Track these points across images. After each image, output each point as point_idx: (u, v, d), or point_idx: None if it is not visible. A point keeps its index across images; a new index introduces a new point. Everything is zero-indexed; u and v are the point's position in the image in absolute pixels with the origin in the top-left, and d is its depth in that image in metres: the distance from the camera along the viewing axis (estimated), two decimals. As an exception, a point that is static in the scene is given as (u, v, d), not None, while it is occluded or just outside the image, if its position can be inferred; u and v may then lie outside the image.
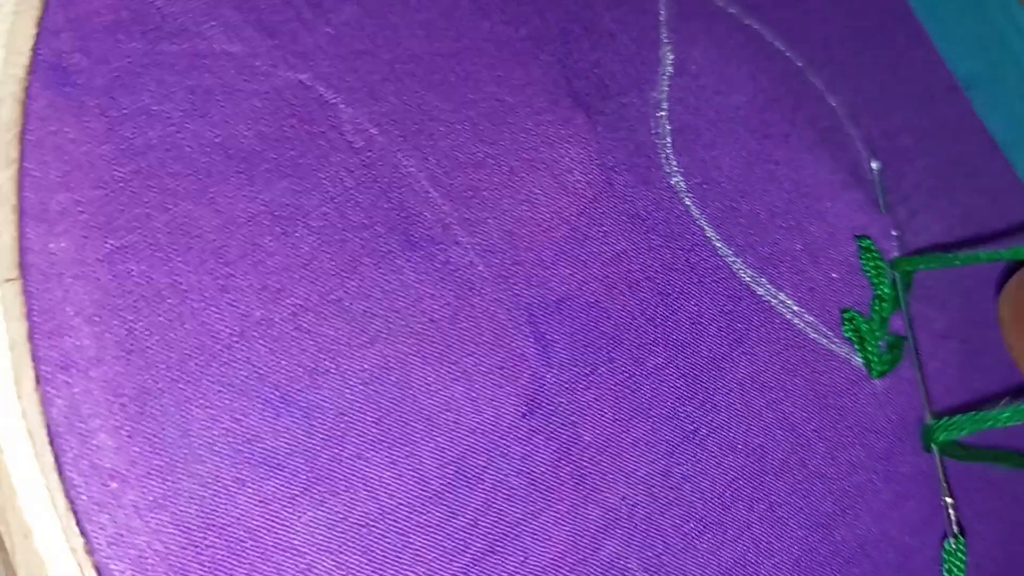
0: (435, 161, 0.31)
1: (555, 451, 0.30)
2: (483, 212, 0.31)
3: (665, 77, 0.37)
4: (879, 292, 0.36)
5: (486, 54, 0.33)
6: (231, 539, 0.25)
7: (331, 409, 0.27)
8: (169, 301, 0.26)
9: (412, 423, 0.28)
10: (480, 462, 0.29)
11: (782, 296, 0.35)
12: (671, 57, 0.37)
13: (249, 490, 0.26)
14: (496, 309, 0.30)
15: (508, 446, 0.29)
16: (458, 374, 0.29)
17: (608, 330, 0.32)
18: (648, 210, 0.34)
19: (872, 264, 0.36)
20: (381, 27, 0.32)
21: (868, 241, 0.37)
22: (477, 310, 0.30)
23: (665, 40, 0.37)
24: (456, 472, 0.28)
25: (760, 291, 0.35)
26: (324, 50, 0.31)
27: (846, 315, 0.36)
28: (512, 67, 0.34)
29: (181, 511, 0.25)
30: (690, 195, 0.35)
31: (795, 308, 0.35)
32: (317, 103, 0.30)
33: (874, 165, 0.37)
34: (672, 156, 0.35)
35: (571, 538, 0.29)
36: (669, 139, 0.35)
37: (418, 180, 0.31)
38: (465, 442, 0.28)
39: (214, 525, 0.25)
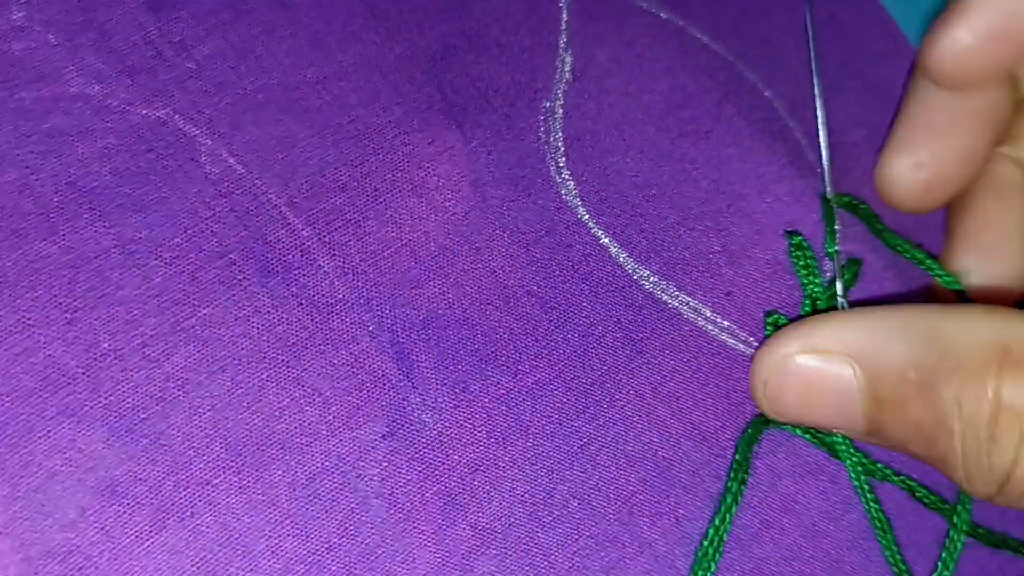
0: (296, 187, 0.39)
1: (419, 471, 0.37)
2: (345, 235, 0.39)
3: (561, 84, 0.44)
4: (810, 291, 0.42)
5: (356, 77, 0.42)
6: (73, 567, 0.33)
7: (178, 436, 0.35)
8: (16, 336, 0.35)
9: (263, 448, 0.36)
10: (335, 484, 0.36)
11: (692, 301, 0.41)
12: (570, 62, 0.44)
13: (91, 518, 0.34)
14: (357, 331, 0.38)
15: (365, 467, 0.36)
16: (313, 398, 0.37)
17: (480, 347, 0.39)
18: (530, 223, 0.41)
19: (803, 262, 0.42)
20: (244, 58, 0.41)
21: (799, 237, 0.43)
22: (336, 333, 0.37)
23: (564, 45, 0.45)
24: (309, 495, 0.36)
25: (666, 298, 0.41)
26: (185, 85, 0.40)
27: (769, 318, 0.41)
28: (382, 88, 0.42)
29: (22, 539, 0.33)
30: (584, 204, 0.42)
31: (707, 313, 0.41)
32: (175, 137, 0.39)
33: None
34: (564, 166, 0.42)
35: (438, 559, 0.36)
36: (562, 148, 0.42)
37: (277, 207, 0.39)
38: (319, 465, 0.36)
39: (56, 554, 0.33)
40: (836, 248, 0.43)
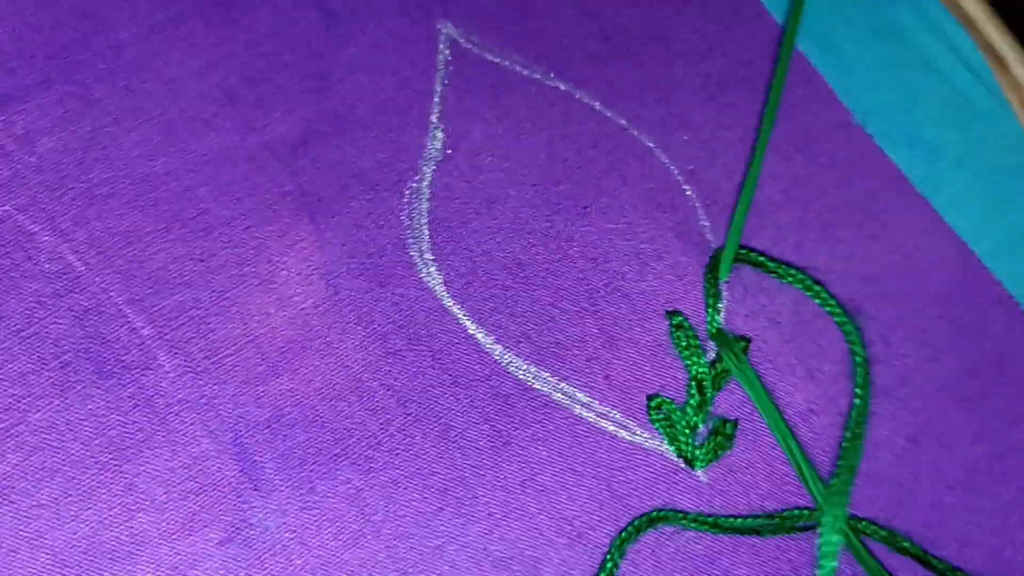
0: (138, 284, 0.40)
1: (259, 579, 0.37)
2: (188, 332, 0.40)
3: (431, 163, 0.45)
4: (694, 373, 0.42)
5: (207, 168, 0.43)
6: None
7: (2, 547, 0.37)
8: None
9: (92, 558, 0.36)
10: (166, 595, 0.36)
11: (567, 387, 0.41)
12: (441, 139, 0.45)
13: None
14: (197, 432, 0.38)
15: (200, 576, 0.37)
16: (145, 504, 0.37)
17: (329, 445, 0.39)
18: (387, 313, 0.41)
19: (684, 343, 0.42)
20: (90, 150, 0.42)
21: (679, 317, 0.43)
22: (174, 435, 0.38)
23: (435, 121, 0.46)
24: None
25: (538, 385, 0.41)
26: (26, 180, 0.41)
27: (652, 402, 0.42)
28: (234, 179, 0.43)
29: None
30: (448, 290, 0.42)
31: (583, 399, 0.41)
32: (13, 234, 0.40)
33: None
34: (428, 250, 0.43)
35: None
36: (426, 232, 0.43)
37: (116, 305, 0.40)
38: (149, 575, 0.36)
39: None
40: (718, 327, 0.43)
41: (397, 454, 0.40)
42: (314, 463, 0.40)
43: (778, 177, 0.49)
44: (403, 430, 0.41)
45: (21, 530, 0.37)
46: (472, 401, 0.42)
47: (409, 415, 0.41)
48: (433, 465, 0.41)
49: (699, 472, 0.43)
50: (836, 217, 0.49)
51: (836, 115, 0.52)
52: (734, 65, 0.52)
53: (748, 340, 0.44)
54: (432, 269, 0.44)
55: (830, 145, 0.51)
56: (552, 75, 0.49)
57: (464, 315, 0.43)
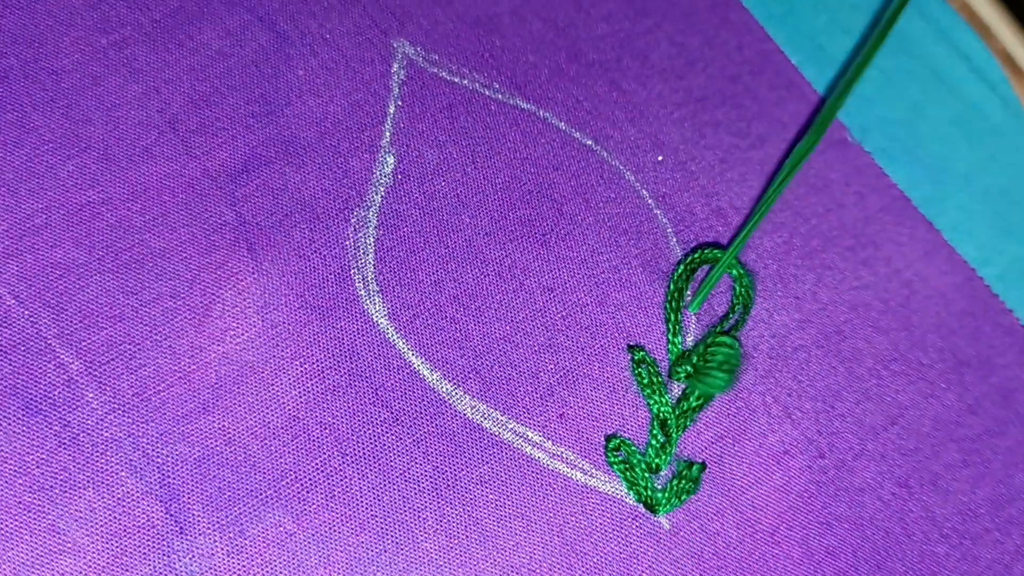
0: (68, 318, 0.42)
1: (183, 626, 0.39)
2: (118, 368, 0.42)
3: (379, 189, 0.46)
4: (656, 411, 0.43)
5: (144, 197, 0.45)
6: None
7: None
8: None
9: (7, 604, 0.38)
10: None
11: (518, 426, 0.43)
12: (392, 163, 0.47)
13: None
14: (122, 471, 0.40)
15: (120, 623, 0.39)
16: (66, 546, 0.39)
17: (261, 486, 0.41)
18: (326, 348, 0.43)
19: (646, 380, 0.44)
20: (25, 180, 0.45)
21: (641, 352, 0.44)
22: (99, 475, 0.41)
23: (386, 145, 0.47)
24: None
25: (487, 424, 0.43)
26: (-44, 214, 0.44)
27: (610, 443, 0.43)
28: (170, 209, 0.45)
29: None
30: (393, 323, 0.44)
31: (535, 439, 0.43)
32: (-60, 271, 0.42)
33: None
34: (373, 280, 0.45)
35: None
36: (372, 262, 0.45)
37: (45, 340, 0.42)
38: None
39: None
40: (683, 367, 0.44)
41: (333, 496, 0.42)
42: (244, 505, 0.41)
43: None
44: (340, 471, 0.42)
45: (-63, 574, 0.39)
46: (415, 440, 0.43)
47: (347, 455, 0.43)
48: (371, 508, 0.42)
49: (661, 518, 0.44)
50: (825, 241, 0.50)
51: (832, 131, 0.53)
52: (718, 81, 0.53)
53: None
54: (376, 300, 0.45)
55: (823, 164, 0.52)
56: (514, 94, 0.50)
57: (409, 349, 0.45)
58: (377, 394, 0.44)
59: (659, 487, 0.45)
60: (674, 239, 0.49)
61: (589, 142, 0.51)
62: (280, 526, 0.42)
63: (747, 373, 0.48)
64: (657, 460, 0.44)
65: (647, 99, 0.53)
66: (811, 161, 0.53)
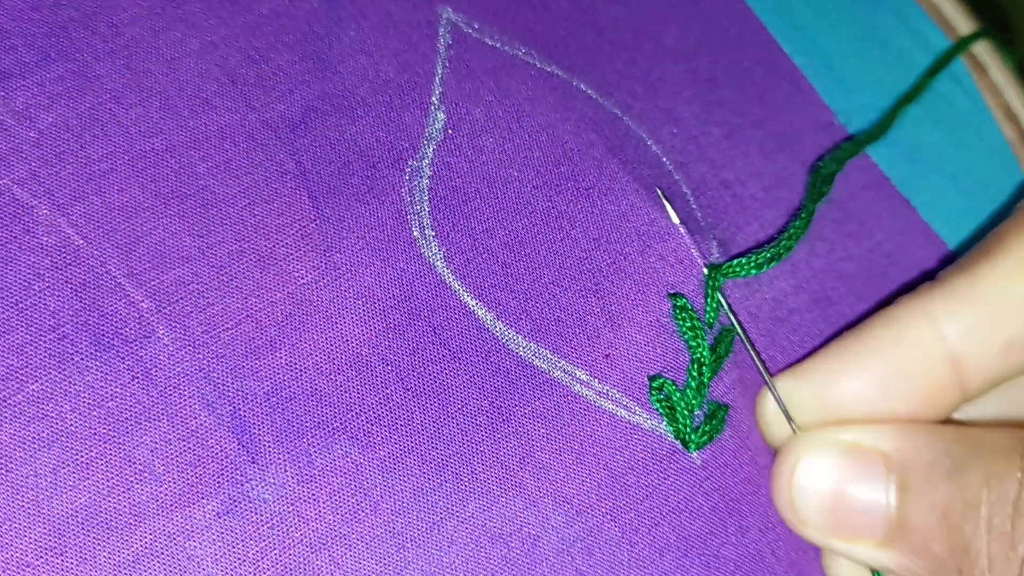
0: (137, 258, 0.41)
1: (256, 551, 0.38)
2: (187, 306, 0.41)
3: (431, 143, 0.46)
4: (696, 356, 0.43)
5: (205, 145, 0.44)
6: None
7: None
8: None
9: (88, 529, 0.37)
10: (162, 567, 0.38)
11: (567, 365, 0.42)
12: (442, 120, 0.46)
13: None
14: (194, 405, 0.39)
15: (197, 548, 0.38)
16: (144, 475, 0.38)
17: (328, 419, 0.40)
18: (386, 288, 0.42)
19: (688, 325, 0.43)
20: (89, 127, 0.43)
21: (683, 299, 0.44)
22: (172, 408, 0.39)
23: (436, 102, 0.47)
24: None
25: (538, 362, 0.43)
26: (25, 155, 0.42)
27: (653, 383, 0.43)
28: (232, 157, 0.44)
29: None
30: (449, 266, 0.43)
31: (583, 377, 0.42)
32: (11, 207, 0.41)
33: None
34: (428, 226, 0.44)
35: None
36: (427, 208, 0.44)
37: (115, 279, 0.41)
38: (146, 546, 0.38)
39: None
40: (715, 320, 0.44)
41: (396, 429, 0.41)
42: (312, 437, 0.40)
43: (763, 174, 0.50)
44: (402, 405, 0.42)
45: (17, 500, 0.38)
46: (471, 377, 0.43)
47: (408, 390, 0.42)
48: (432, 440, 0.41)
49: (694, 454, 0.43)
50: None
51: (819, 115, 0.53)
52: (722, 63, 0.53)
53: (733, 331, 0.46)
54: (433, 245, 0.45)
55: (813, 144, 0.53)
56: (550, 62, 0.50)
57: (464, 291, 0.44)
58: (436, 333, 0.44)
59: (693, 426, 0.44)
60: (694, 204, 0.49)
61: (616, 111, 0.51)
62: (347, 457, 0.41)
63: (754, 329, 0.47)
64: (694, 401, 0.44)
65: (661, 76, 0.53)
66: (802, 142, 0.53)
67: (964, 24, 0.59)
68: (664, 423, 0.44)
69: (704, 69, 0.54)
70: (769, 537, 0.44)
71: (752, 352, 0.44)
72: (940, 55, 0.58)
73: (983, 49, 0.58)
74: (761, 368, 0.44)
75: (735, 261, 0.46)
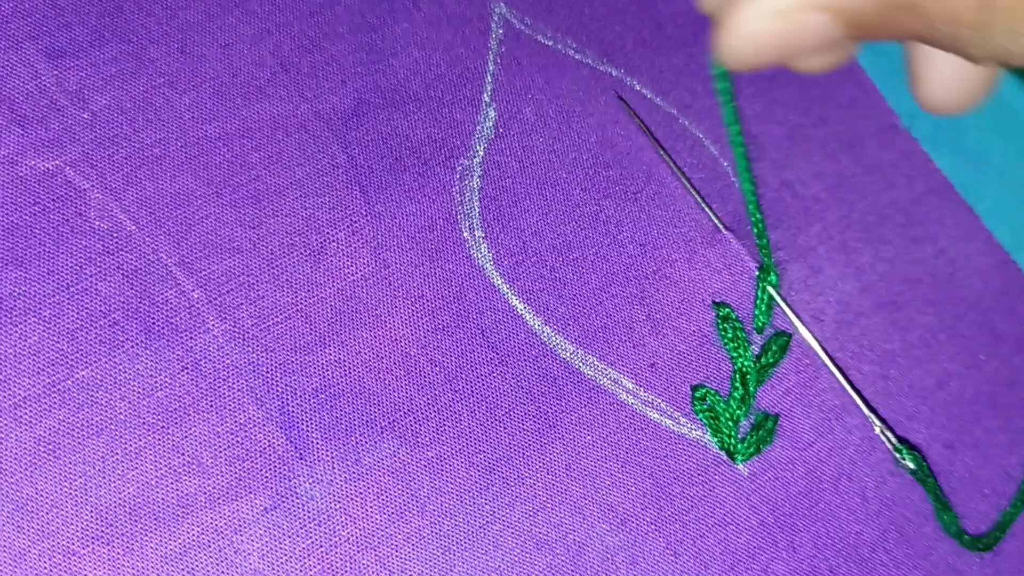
0: (188, 246, 0.40)
1: (303, 548, 0.37)
2: (237, 298, 0.40)
3: (482, 141, 0.45)
4: (739, 366, 0.42)
5: (258, 134, 0.43)
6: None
7: (46, 503, 0.36)
8: None
9: (136, 519, 0.37)
10: (209, 560, 0.37)
11: (613, 372, 0.42)
12: (493, 118, 0.45)
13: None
14: (244, 399, 0.39)
15: (244, 543, 0.37)
16: (192, 467, 0.38)
17: (376, 418, 0.39)
18: (436, 289, 0.42)
19: (730, 335, 0.43)
20: (143, 111, 0.42)
21: (727, 309, 0.43)
22: (221, 400, 0.39)
23: (487, 99, 0.46)
24: (181, 570, 0.37)
25: (584, 368, 0.42)
26: (78, 136, 0.41)
27: (696, 393, 0.42)
28: (285, 147, 0.43)
29: None
30: (498, 268, 0.43)
31: (629, 386, 0.42)
32: (65, 190, 0.40)
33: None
34: (479, 227, 0.43)
35: (317, 644, 0.36)
36: (477, 209, 0.44)
37: (166, 266, 0.40)
38: (194, 538, 0.37)
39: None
40: (767, 323, 0.44)
41: (443, 430, 0.41)
42: (360, 435, 0.40)
43: (824, 175, 0.50)
44: (450, 406, 0.41)
45: (66, 487, 0.37)
46: (519, 381, 0.42)
47: (456, 392, 0.41)
48: (479, 443, 0.41)
49: (740, 465, 0.43)
50: (881, 218, 0.50)
51: (883, 117, 0.52)
52: None
53: (789, 336, 0.45)
54: (483, 247, 0.44)
55: (876, 146, 0.52)
56: (604, 60, 0.49)
57: (513, 294, 0.44)
58: (484, 335, 0.43)
59: (739, 437, 0.44)
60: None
61: (672, 110, 0.50)
62: (394, 456, 0.40)
63: (817, 334, 0.47)
64: (738, 411, 0.44)
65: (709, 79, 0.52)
66: (865, 144, 0.53)
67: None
68: (708, 434, 0.43)
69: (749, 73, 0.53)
70: (826, 555, 0.44)
71: None
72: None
73: None
74: None
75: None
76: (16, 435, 0.37)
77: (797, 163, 0.50)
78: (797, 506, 0.44)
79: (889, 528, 0.45)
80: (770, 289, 0.45)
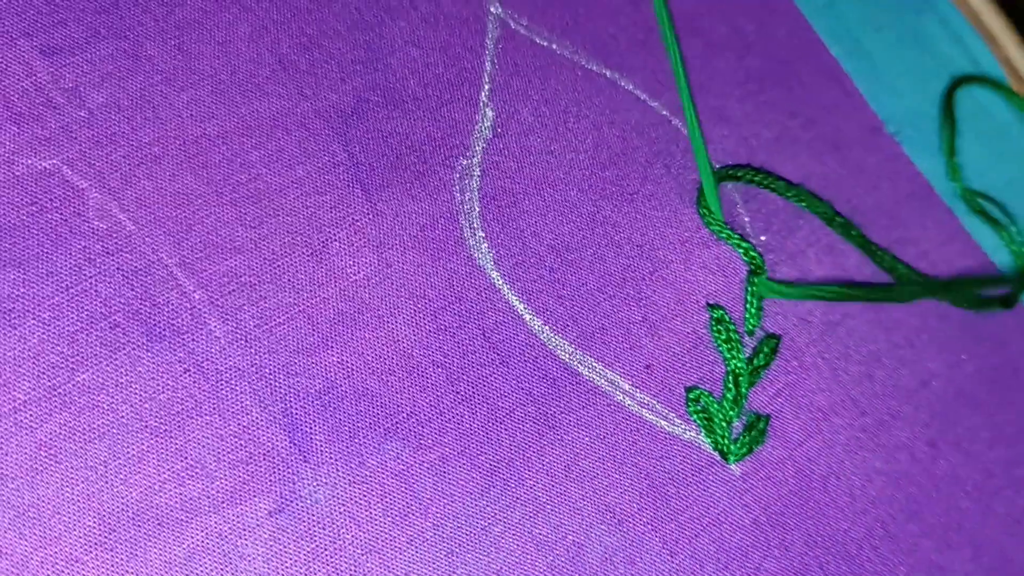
0: (189, 246, 0.39)
1: (308, 551, 0.37)
2: (239, 299, 0.39)
3: (481, 140, 0.44)
4: (732, 367, 0.42)
5: (258, 132, 0.42)
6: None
7: (47, 508, 0.35)
8: None
9: (139, 523, 0.36)
10: (214, 564, 0.36)
11: (610, 374, 0.41)
12: (491, 117, 0.45)
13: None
14: (247, 401, 0.38)
15: (248, 546, 0.36)
16: (196, 471, 0.37)
17: (380, 420, 0.39)
18: (438, 289, 0.41)
19: (724, 336, 0.42)
20: (140, 109, 0.41)
21: (720, 311, 0.43)
22: (224, 403, 0.37)
23: (485, 99, 0.45)
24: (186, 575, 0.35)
25: (582, 369, 0.41)
26: (75, 135, 0.40)
27: (690, 394, 0.41)
28: (285, 146, 0.42)
29: None
30: (498, 268, 0.42)
31: (626, 387, 0.41)
32: (62, 189, 0.39)
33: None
34: (479, 227, 0.42)
35: (323, 648, 0.36)
36: (477, 208, 0.43)
37: (167, 267, 0.39)
38: (198, 543, 0.36)
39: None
40: (757, 326, 0.43)
41: (446, 432, 0.40)
42: (364, 437, 0.39)
43: (812, 177, 0.49)
44: (452, 408, 0.40)
45: (68, 492, 0.36)
46: (520, 382, 0.42)
47: (459, 393, 0.41)
48: (481, 445, 0.40)
49: (733, 466, 0.43)
50: (865, 219, 0.49)
51: (866, 120, 0.52)
52: (771, 64, 0.52)
53: (779, 338, 0.45)
54: (483, 247, 0.43)
55: (860, 150, 0.52)
56: (599, 62, 0.48)
57: (513, 295, 0.43)
58: (485, 336, 0.42)
59: (732, 438, 0.44)
60: (742, 207, 0.48)
61: (665, 112, 0.49)
62: (398, 458, 0.40)
63: (805, 335, 0.47)
64: (731, 412, 0.44)
65: (711, 76, 0.52)
66: (850, 147, 0.52)
67: (1006, 36, 0.58)
68: (702, 435, 0.43)
69: (755, 69, 0.53)
70: (816, 552, 0.44)
71: None
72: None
73: (1021, 56, 0.58)
74: None
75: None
76: (17, 440, 0.36)
77: (786, 165, 0.50)
78: (788, 505, 0.44)
79: (875, 525, 0.45)
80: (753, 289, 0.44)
